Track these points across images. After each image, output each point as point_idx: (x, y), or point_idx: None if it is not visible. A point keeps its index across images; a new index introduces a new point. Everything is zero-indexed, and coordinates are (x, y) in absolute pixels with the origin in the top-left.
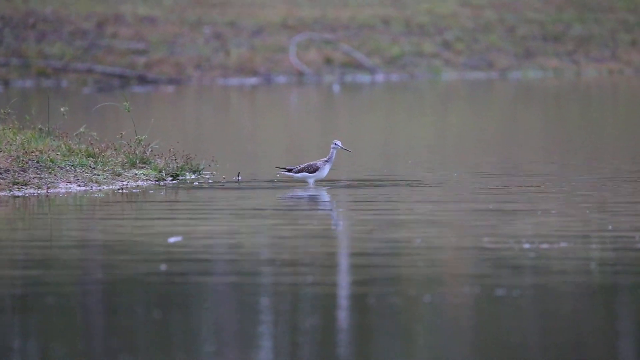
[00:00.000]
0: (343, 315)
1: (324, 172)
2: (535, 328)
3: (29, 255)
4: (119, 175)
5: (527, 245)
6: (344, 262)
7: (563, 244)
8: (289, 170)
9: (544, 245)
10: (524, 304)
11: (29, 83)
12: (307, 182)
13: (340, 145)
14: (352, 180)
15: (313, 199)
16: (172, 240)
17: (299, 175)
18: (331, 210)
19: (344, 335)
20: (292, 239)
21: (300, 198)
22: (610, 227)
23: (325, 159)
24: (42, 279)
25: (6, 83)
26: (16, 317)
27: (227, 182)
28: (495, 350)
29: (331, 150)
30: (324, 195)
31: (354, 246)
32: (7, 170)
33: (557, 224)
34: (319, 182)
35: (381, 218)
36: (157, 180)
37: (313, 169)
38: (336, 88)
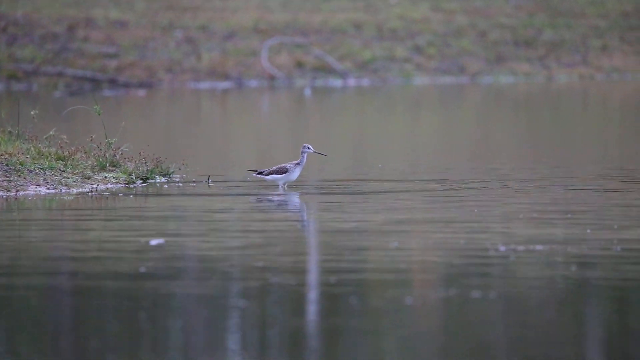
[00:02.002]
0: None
1: (294, 175)
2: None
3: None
4: (89, 178)
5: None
6: (313, 265)
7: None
8: (260, 173)
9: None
10: (498, 306)
11: None
12: (277, 185)
13: (312, 149)
14: (322, 183)
15: (280, 204)
16: (153, 242)
17: (269, 177)
18: (299, 214)
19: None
20: (261, 245)
21: (269, 202)
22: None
23: (296, 162)
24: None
25: None
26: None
27: (197, 184)
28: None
29: (302, 154)
30: (293, 200)
31: (324, 251)
32: None
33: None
34: (289, 185)
35: (344, 224)
36: (127, 184)
37: (282, 171)
38: (308, 92)
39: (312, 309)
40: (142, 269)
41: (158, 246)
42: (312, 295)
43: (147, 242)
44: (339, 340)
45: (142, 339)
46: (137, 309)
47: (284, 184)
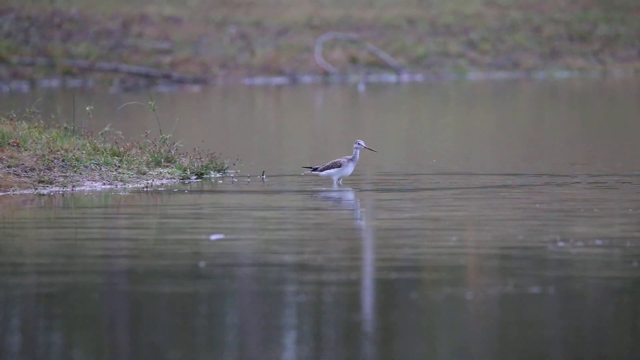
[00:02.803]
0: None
1: (348, 170)
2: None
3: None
4: (144, 173)
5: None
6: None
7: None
8: (315, 170)
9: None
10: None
11: (54, 82)
12: (331, 180)
13: (364, 144)
14: (376, 179)
15: (337, 200)
16: (214, 237)
17: (323, 173)
18: (355, 211)
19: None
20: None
21: (324, 199)
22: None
23: (350, 157)
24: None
25: (32, 82)
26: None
27: (251, 180)
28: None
29: (354, 149)
30: (348, 196)
31: (380, 249)
32: (32, 169)
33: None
34: (344, 182)
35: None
36: (181, 179)
37: (337, 166)
38: (361, 88)
39: (370, 305)
40: (202, 264)
41: (218, 241)
42: (371, 290)
43: (208, 238)
44: (396, 335)
45: (199, 334)
46: (198, 303)
47: (339, 179)
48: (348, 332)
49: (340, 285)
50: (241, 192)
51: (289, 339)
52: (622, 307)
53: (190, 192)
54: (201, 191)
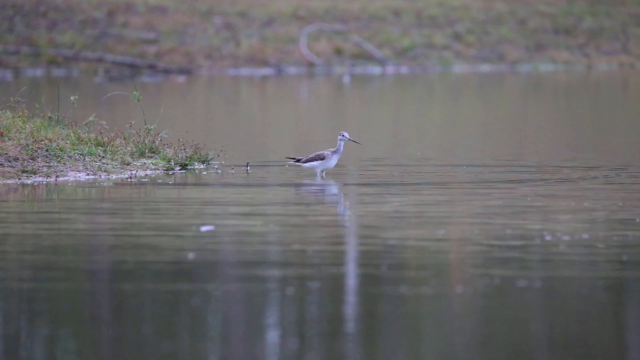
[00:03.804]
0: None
1: (332, 162)
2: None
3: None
4: (128, 164)
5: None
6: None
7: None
8: (298, 161)
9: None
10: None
11: (39, 72)
12: (315, 172)
13: (348, 136)
14: (360, 171)
15: (319, 192)
16: (203, 229)
17: (307, 165)
18: (339, 204)
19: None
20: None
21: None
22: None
23: (333, 149)
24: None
25: (17, 71)
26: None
27: (235, 171)
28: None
29: (338, 141)
30: (332, 189)
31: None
32: (16, 159)
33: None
34: (328, 174)
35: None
36: (165, 170)
37: (320, 158)
38: (346, 79)
39: (354, 299)
40: (191, 255)
41: (208, 232)
42: (360, 283)
43: (198, 229)
44: (380, 331)
45: (184, 326)
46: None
47: (322, 172)
48: (332, 327)
49: (323, 280)
50: (225, 184)
51: (272, 335)
52: (609, 302)
53: (175, 185)
54: (185, 184)
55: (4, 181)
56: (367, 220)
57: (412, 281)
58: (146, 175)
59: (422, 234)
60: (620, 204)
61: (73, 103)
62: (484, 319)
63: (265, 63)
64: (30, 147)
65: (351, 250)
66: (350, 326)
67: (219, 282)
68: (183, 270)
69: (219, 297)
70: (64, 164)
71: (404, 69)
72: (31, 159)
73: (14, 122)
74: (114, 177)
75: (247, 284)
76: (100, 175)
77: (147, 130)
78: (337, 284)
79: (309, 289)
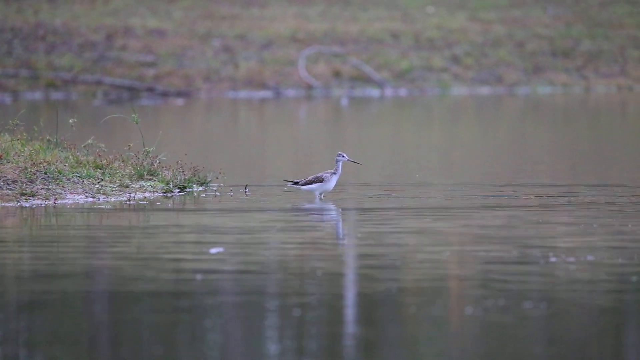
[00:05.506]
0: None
1: (331, 184)
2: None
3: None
4: (127, 187)
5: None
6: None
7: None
8: (296, 183)
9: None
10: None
11: (38, 94)
12: (313, 194)
13: (346, 157)
14: (359, 193)
15: (316, 213)
16: (213, 251)
17: (305, 187)
18: (337, 223)
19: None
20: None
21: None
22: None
23: (332, 171)
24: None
25: (15, 94)
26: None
27: (234, 194)
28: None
29: (336, 162)
30: (331, 211)
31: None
32: (14, 181)
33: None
34: (326, 195)
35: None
36: (164, 192)
37: (319, 181)
38: (345, 102)
39: (369, 318)
40: (199, 276)
41: (218, 254)
42: (367, 305)
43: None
44: (383, 349)
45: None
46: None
47: (321, 194)
48: (333, 345)
49: (323, 301)
50: (222, 210)
51: (273, 352)
52: (611, 321)
53: (174, 209)
54: (183, 209)
55: (3, 204)
56: (366, 242)
57: (413, 303)
58: (145, 197)
59: (423, 257)
60: (623, 225)
61: (71, 126)
62: (488, 338)
63: (263, 86)
64: (29, 169)
65: (350, 273)
66: (351, 345)
67: (219, 306)
68: (185, 293)
69: (219, 320)
70: (63, 186)
71: (403, 92)
72: (30, 182)
73: (12, 145)
74: (113, 199)
75: (247, 310)
76: (98, 198)
77: (146, 153)
78: (337, 307)
79: (310, 311)
